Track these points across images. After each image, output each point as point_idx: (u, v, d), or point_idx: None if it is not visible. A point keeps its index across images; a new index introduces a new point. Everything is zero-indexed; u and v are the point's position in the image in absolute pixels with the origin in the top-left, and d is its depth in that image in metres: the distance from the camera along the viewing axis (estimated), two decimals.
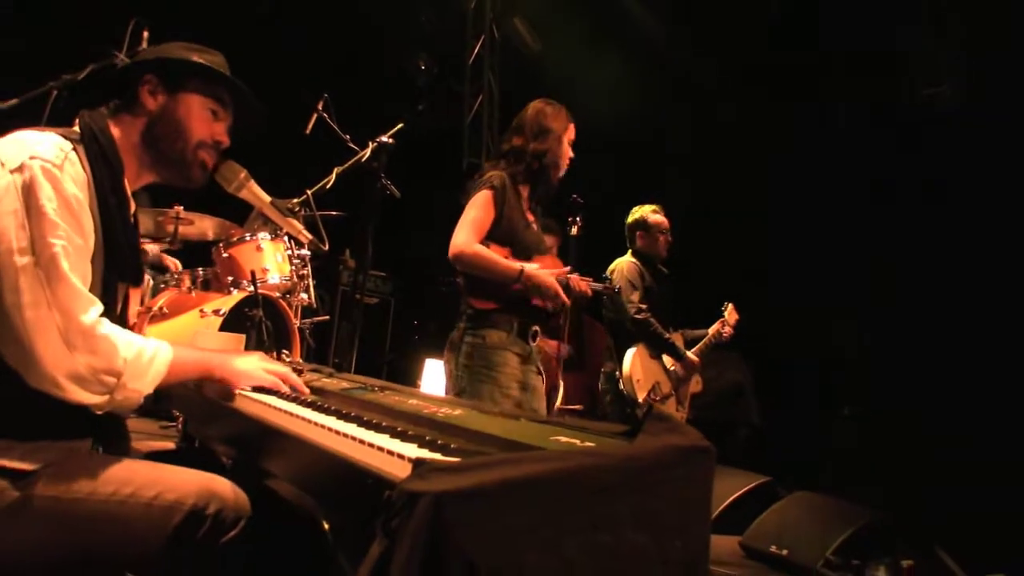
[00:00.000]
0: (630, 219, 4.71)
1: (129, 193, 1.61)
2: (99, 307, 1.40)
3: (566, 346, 4.76)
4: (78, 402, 1.36)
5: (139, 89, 1.62)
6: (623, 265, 4.58)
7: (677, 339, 4.61)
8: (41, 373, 1.33)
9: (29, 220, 1.34)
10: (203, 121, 1.67)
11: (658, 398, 4.45)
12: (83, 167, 1.46)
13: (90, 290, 1.43)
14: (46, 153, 1.39)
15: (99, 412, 1.42)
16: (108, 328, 1.40)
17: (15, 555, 1.32)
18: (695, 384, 4.62)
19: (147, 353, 1.45)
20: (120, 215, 1.53)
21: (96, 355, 1.36)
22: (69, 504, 1.36)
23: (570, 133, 3.08)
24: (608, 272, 4.55)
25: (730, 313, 4.74)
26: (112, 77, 1.64)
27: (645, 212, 4.68)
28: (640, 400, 4.34)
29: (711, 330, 4.68)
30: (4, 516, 1.32)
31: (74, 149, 1.46)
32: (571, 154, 3.10)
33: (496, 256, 2.86)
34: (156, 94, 1.62)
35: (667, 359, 4.55)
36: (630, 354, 4.44)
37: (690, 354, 4.53)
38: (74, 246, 1.39)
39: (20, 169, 1.36)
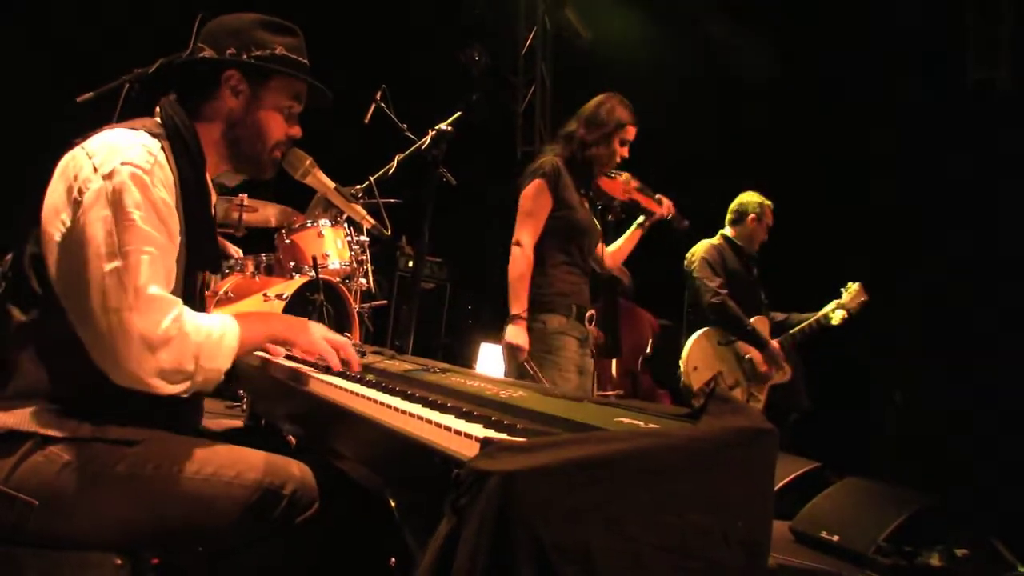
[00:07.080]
0: (736, 204, 4.53)
1: (210, 185, 1.64)
2: (179, 308, 1.41)
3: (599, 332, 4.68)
4: (167, 394, 1.39)
5: (221, 87, 1.60)
6: (702, 248, 4.40)
7: (761, 324, 4.38)
8: (127, 374, 1.36)
9: (117, 226, 1.36)
10: (281, 122, 1.67)
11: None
12: (170, 165, 1.48)
13: (173, 280, 1.46)
14: (137, 159, 1.41)
15: (187, 396, 1.45)
16: (185, 320, 1.41)
17: (101, 526, 1.38)
18: (781, 374, 4.38)
19: (216, 332, 1.46)
20: (202, 209, 1.56)
21: (175, 350, 1.38)
22: (155, 481, 1.40)
23: (626, 133, 3.06)
24: (688, 256, 4.42)
25: (854, 295, 4.34)
26: (192, 70, 1.60)
27: (756, 200, 4.48)
28: (695, 390, 4.24)
29: (818, 315, 4.36)
30: (94, 490, 1.37)
31: (161, 147, 1.48)
32: (624, 154, 3.09)
33: (522, 291, 2.89)
34: (239, 93, 1.61)
35: (741, 347, 4.33)
36: (690, 341, 4.32)
37: (773, 342, 4.31)
38: (160, 249, 1.41)
39: (111, 175, 1.38)
